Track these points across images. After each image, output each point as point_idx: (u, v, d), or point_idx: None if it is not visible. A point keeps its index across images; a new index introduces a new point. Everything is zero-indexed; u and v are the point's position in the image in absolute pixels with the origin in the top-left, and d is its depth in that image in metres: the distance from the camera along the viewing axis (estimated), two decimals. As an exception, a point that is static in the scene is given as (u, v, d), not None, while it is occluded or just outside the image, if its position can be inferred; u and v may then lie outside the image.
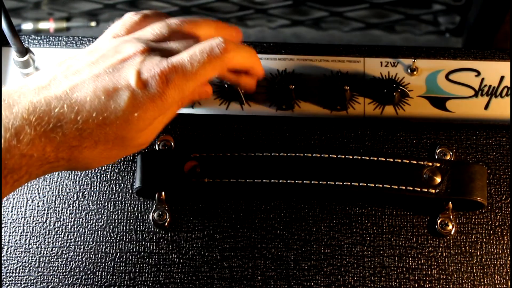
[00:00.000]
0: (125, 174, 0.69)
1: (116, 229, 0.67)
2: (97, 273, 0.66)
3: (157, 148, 0.69)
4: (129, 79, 0.56)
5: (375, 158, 0.66)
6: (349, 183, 0.65)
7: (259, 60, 0.66)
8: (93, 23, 1.04)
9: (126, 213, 0.68)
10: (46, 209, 0.68)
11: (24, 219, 0.68)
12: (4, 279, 0.66)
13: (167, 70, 0.56)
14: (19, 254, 0.67)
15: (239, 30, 0.67)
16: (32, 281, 0.66)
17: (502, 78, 0.73)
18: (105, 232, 0.67)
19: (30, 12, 1.05)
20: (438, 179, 0.65)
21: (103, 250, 0.67)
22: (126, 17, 0.64)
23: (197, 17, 0.64)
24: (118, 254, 0.66)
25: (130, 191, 0.68)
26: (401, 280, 0.66)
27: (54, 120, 0.54)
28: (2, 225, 0.67)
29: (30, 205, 0.68)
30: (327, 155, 0.65)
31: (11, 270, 0.66)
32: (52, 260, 0.66)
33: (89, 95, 0.55)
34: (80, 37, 0.75)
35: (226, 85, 0.70)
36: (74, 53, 0.60)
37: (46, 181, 0.69)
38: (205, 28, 0.64)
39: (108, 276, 0.66)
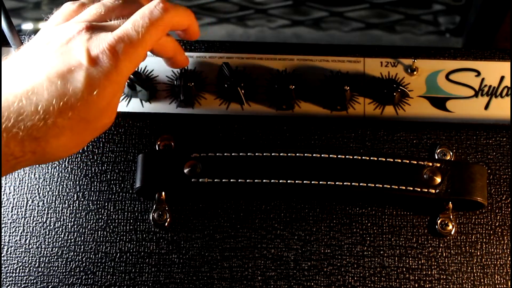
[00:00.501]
0: (125, 174, 0.69)
1: (116, 229, 0.67)
2: (97, 273, 0.66)
3: (157, 148, 0.69)
4: (80, 58, 0.56)
5: (375, 158, 0.66)
6: (349, 183, 0.65)
7: (195, 18, 0.65)
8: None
9: (126, 213, 0.68)
10: (46, 209, 0.68)
11: (24, 219, 0.68)
12: (4, 279, 0.66)
13: (115, 42, 0.56)
14: (19, 254, 0.67)
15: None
16: (32, 281, 0.66)
17: (502, 78, 0.73)
18: (105, 232, 0.67)
19: (30, 12, 1.05)
20: (438, 179, 0.65)
21: (103, 250, 0.67)
22: (64, 6, 0.64)
23: None
24: (118, 254, 0.66)
25: (130, 191, 0.68)
26: (401, 280, 0.66)
27: (14, 115, 0.53)
28: (2, 225, 0.67)
29: (30, 205, 0.68)
30: (327, 155, 0.65)
31: (11, 270, 0.66)
32: (52, 260, 0.66)
33: (44, 82, 0.55)
34: (80, 37, 0.75)
35: (226, 85, 0.70)
36: (22, 48, 0.60)
37: (46, 181, 0.69)
38: (139, 3, 0.63)
39: (108, 276, 0.66)
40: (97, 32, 0.58)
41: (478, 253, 0.67)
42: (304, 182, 0.65)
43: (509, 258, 0.67)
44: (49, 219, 0.68)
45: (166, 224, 0.67)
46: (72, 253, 0.67)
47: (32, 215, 0.68)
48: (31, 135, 0.54)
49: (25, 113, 0.54)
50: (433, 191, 0.65)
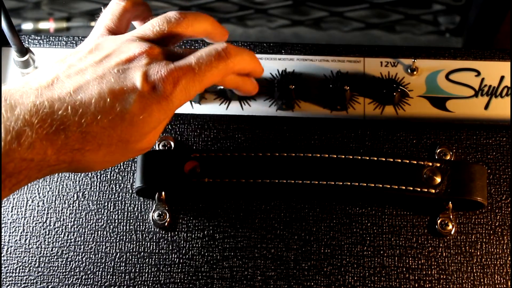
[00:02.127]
0: (125, 174, 0.69)
1: (116, 229, 0.67)
2: (97, 273, 0.66)
3: (157, 148, 0.69)
4: (135, 81, 0.55)
5: (375, 158, 0.66)
6: (349, 183, 0.65)
7: (259, 61, 0.65)
8: (93, 23, 1.03)
9: (126, 213, 0.68)
10: (46, 209, 0.68)
11: (24, 219, 0.68)
12: (4, 279, 0.66)
13: (175, 73, 0.56)
14: (19, 254, 0.67)
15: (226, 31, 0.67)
16: (32, 281, 0.66)
17: (502, 78, 0.73)
18: (105, 232, 0.67)
19: (30, 12, 1.05)
20: (438, 179, 0.65)
21: (103, 250, 0.67)
22: (114, 6, 0.62)
23: (192, 12, 0.63)
24: (118, 254, 0.66)
25: (130, 191, 0.68)
26: (401, 280, 0.66)
27: (57, 123, 0.52)
28: (2, 225, 0.67)
29: (30, 205, 0.68)
30: (327, 155, 0.65)
31: (11, 270, 0.66)
32: (52, 260, 0.66)
33: (94, 96, 0.54)
34: (80, 37, 0.75)
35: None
36: (74, 50, 0.59)
37: (46, 181, 0.69)
38: (203, 24, 0.63)
39: (108, 276, 0.66)
40: (159, 57, 0.57)
41: (478, 253, 0.67)
42: (304, 182, 0.65)
43: (509, 258, 0.67)
44: (49, 219, 0.68)
45: (166, 224, 0.67)
46: (72, 253, 0.67)
47: (32, 215, 0.68)
48: (69, 145, 0.53)
49: (68, 123, 0.53)
50: (433, 191, 0.65)
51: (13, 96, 0.52)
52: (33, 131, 0.51)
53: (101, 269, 0.66)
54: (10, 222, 0.68)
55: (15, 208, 0.68)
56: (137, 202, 0.68)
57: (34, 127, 0.51)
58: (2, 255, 0.67)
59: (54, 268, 0.66)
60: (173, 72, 0.55)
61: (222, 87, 0.71)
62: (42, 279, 0.66)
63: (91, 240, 0.67)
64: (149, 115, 0.55)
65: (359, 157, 0.65)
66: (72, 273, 0.66)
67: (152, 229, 0.67)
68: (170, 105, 0.56)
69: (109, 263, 0.66)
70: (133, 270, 0.66)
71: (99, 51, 0.58)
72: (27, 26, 1.04)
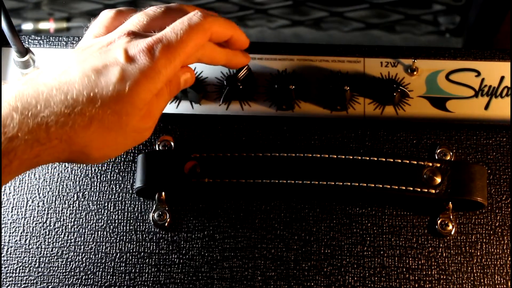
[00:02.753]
0: (125, 174, 0.69)
1: (116, 229, 0.67)
2: (97, 273, 0.66)
3: (157, 148, 0.69)
4: (117, 56, 0.56)
5: (375, 158, 0.66)
6: (349, 183, 0.65)
7: (239, 28, 0.66)
8: (93, 23, 1.03)
9: (126, 213, 0.68)
10: (46, 209, 0.68)
11: (24, 219, 0.68)
12: (4, 279, 0.66)
13: (153, 42, 0.57)
14: (19, 254, 0.67)
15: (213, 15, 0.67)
16: (32, 281, 0.66)
17: (502, 78, 0.73)
18: (105, 232, 0.67)
19: (30, 12, 1.05)
20: (438, 179, 0.65)
21: (103, 250, 0.67)
22: (102, 15, 0.64)
23: (174, 4, 0.65)
24: (118, 254, 0.66)
25: (130, 191, 0.68)
26: (401, 280, 0.66)
27: (42, 102, 0.53)
28: (2, 225, 0.67)
29: (30, 205, 0.68)
30: (327, 155, 0.65)
31: (11, 270, 0.66)
32: (52, 260, 0.66)
33: (78, 75, 0.55)
34: (80, 37, 0.74)
35: (225, 83, 0.70)
36: (61, 56, 0.60)
37: (46, 181, 0.69)
38: (182, 13, 0.64)
39: (108, 276, 0.66)
40: (138, 37, 0.59)
41: (478, 253, 0.67)
42: (304, 182, 0.65)
43: (509, 258, 0.67)
44: (49, 219, 0.68)
45: (166, 224, 0.67)
46: (72, 253, 0.67)
47: (32, 215, 0.68)
48: (58, 121, 0.53)
49: (53, 101, 0.54)
50: (433, 191, 0.65)
51: (2, 90, 0.54)
52: (17, 113, 0.52)
53: (101, 269, 0.66)
54: (10, 222, 0.68)
55: (15, 208, 0.68)
56: (137, 203, 0.68)
57: (18, 109, 0.52)
58: (2, 255, 0.67)
59: (54, 268, 0.66)
60: (151, 43, 0.57)
61: (223, 89, 0.71)
62: (42, 279, 0.66)
63: (91, 240, 0.67)
64: (136, 83, 0.56)
65: (359, 157, 0.65)
66: (72, 273, 0.66)
67: (152, 229, 0.67)
68: (155, 72, 0.57)
69: (109, 263, 0.66)
70: (133, 270, 0.66)
71: (82, 48, 0.59)
72: (27, 26, 1.04)
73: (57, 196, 0.68)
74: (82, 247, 0.67)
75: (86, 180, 0.69)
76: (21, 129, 0.52)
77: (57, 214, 0.68)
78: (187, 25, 0.59)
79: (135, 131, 0.58)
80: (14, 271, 0.66)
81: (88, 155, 0.57)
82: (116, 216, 0.68)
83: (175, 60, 0.58)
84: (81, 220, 0.68)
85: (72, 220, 0.68)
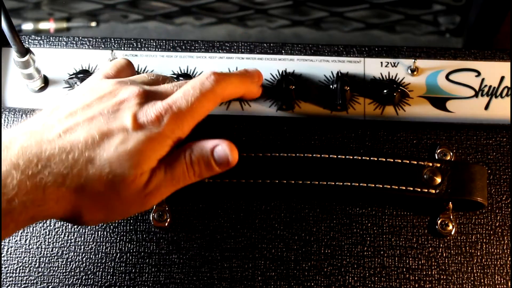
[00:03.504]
0: (125, 174, 0.69)
1: (116, 229, 0.67)
2: (97, 273, 0.66)
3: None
4: (125, 121, 0.56)
5: (375, 159, 0.66)
6: (349, 183, 0.65)
7: (251, 81, 0.66)
8: (93, 23, 1.03)
9: (126, 213, 0.68)
10: (46, 209, 0.68)
11: (24, 219, 0.68)
12: (4, 279, 0.66)
13: (163, 110, 0.57)
14: (19, 254, 0.67)
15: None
16: (32, 281, 0.66)
17: (502, 78, 0.73)
18: (105, 232, 0.67)
19: (30, 12, 1.04)
20: (438, 180, 0.65)
21: (103, 250, 0.67)
22: (118, 60, 0.65)
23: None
24: (118, 254, 0.66)
25: (130, 191, 0.68)
26: (401, 281, 0.66)
27: (43, 162, 0.53)
28: (2, 225, 0.67)
29: (30, 205, 0.68)
30: (327, 155, 0.65)
31: (11, 270, 0.66)
32: (52, 260, 0.66)
33: (82, 135, 0.55)
34: (80, 37, 0.75)
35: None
36: (68, 94, 0.60)
37: (46, 181, 0.69)
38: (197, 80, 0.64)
39: (108, 276, 0.66)
40: (149, 98, 0.58)
41: (478, 253, 0.67)
42: (304, 182, 0.65)
43: (509, 258, 0.67)
44: (49, 219, 0.68)
45: (166, 224, 0.67)
46: (72, 253, 0.67)
47: (32, 215, 0.68)
48: (55, 182, 0.53)
49: (54, 160, 0.53)
50: (433, 191, 0.65)
51: (3, 143, 0.53)
52: (18, 171, 0.52)
53: (101, 269, 0.66)
54: (10, 222, 0.68)
55: (15, 208, 0.68)
56: (137, 202, 0.68)
57: (20, 168, 0.52)
58: (2, 255, 0.67)
59: (54, 268, 0.66)
60: (161, 110, 0.57)
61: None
62: (42, 279, 0.66)
63: (91, 240, 0.67)
64: (139, 146, 0.55)
65: (359, 157, 0.65)
66: (72, 273, 0.66)
67: (152, 229, 0.67)
68: (162, 138, 0.57)
69: (109, 263, 0.66)
70: (133, 270, 0.66)
71: (91, 93, 0.59)
72: (27, 26, 1.04)
73: (57, 196, 0.68)
74: (82, 247, 0.67)
75: (86, 180, 0.69)
76: (20, 190, 0.52)
77: (57, 214, 0.68)
78: (199, 92, 0.59)
79: (132, 200, 0.57)
80: (14, 271, 0.66)
81: (80, 218, 0.56)
82: (116, 216, 0.68)
83: (184, 127, 0.58)
84: (81, 220, 0.68)
85: (72, 220, 0.68)
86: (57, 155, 0.53)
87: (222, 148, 0.59)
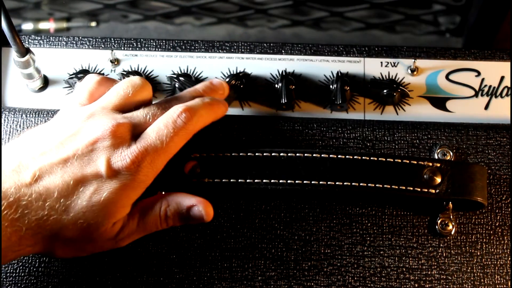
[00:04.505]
0: (125, 174, 0.69)
1: (116, 229, 0.67)
2: (97, 273, 0.66)
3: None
4: (99, 167, 0.57)
5: (375, 159, 0.66)
6: (349, 183, 0.65)
7: (218, 105, 0.65)
8: (93, 23, 1.03)
9: (126, 213, 0.68)
10: (46, 209, 0.68)
11: (24, 219, 0.68)
12: (4, 279, 0.66)
13: (139, 155, 0.58)
14: (19, 254, 0.67)
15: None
16: (32, 281, 0.66)
17: (502, 78, 0.73)
18: (105, 232, 0.67)
19: (30, 12, 1.04)
20: (438, 179, 0.65)
21: (103, 250, 0.67)
22: (88, 80, 0.64)
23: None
24: (118, 254, 0.66)
25: (130, 191, 0.68)
26: (401, 280, 0.66)
27: (21, 209, 0.54)
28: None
29: (30, 205, 0.68)
30: (327, 155, 0.65)
31: (11, 270, 0.66)
32: (52, 260, 0.66)
33: (58, 181, 0.56)
34: (80, 37, 0.75)
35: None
36: (42, 126, 0.61)
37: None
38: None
39: (108, 276, 0.66)
40: (123, 135, 0.58)
41: (478, 253, 0.67)
42: (304, 182, 0.65)
43: (509, 258, 0.67)
44: (49, 219, 0.68)
45: (166, 224, 0.67)
46: (72, 253, 0.67)
47: (32, 215, 0.68)
48: (32, 229, 0.55)
49: (32, 207, 0.55)
50: (433, 191, 0.65)
51: None
52: None
53: (101, 269, 0.66)
54: (10, 222, 0.68)
55: (15, 208, 0.68)
56: (137, 202, 0.68)
57: (1, 213, 0.53)
58: (2, 255, 0.67)
59: (54, 268, 0.66)
60: (137, 156, 0.57)
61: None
62: (42, 279, 0.66)
63: (91, 240, 0.67)
64: (115, 195, 0.57)
65: (359, 157, 0.65)
66: (72, 273, 0.66)
67: (152, 229, 0.67)
68: (137, 183, 0.58)
69: (109, 263, 0.66)
70: (133, 270, 0.66)
71: (64, 129, 0.59)
72: (27, 26, 1.04)
73: (57, 196, 0.68)
74: (82, 247, 0.67)
75: (86, 180, 0.69)
76: (2, 237, 0.53)
77: (57, 214, 0.68)
78: (172, 131, 0.59)
79: (103, 245, 0.60)
80: (14, 271, 0.66)
81: (52, 255, 0.59)
82: (116, 216, 0.68)
83: (158, 168, 0.59)
84: (81, 220, 0.68)
85: (72, 220, 0.68)
86: (34, 201, 0.55)
87: (198, 209, 0.61)
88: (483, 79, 0.73)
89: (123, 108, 0.62)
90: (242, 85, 0.70)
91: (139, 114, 0.61)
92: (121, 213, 0.58)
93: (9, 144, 0.59)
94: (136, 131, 0.60)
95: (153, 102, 0.64)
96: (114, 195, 0.57)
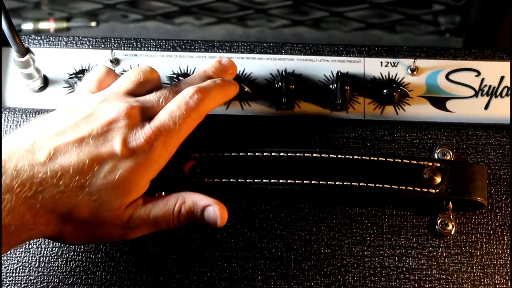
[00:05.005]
0: (125, 174, 0.69)
1: (116, 229, 0.67)
2: (97, 273, 0.66)
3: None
4: (114, 147, 0.57)
5: (375, 158, 0.66)
6: (349, 183, 0.65)
7: (230, 86, 0.66)
8: (93, 23, 1.03)
9: (126, 213, 0.68)
10: (46, 209, 0.68)
11: (24, 219, 0.68)
12: (4, 279, 0.66)
13: (153, 135, 0.58)
14: (19, 254, 0.67)
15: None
16: (32, 281, 0.66)
17: (502, 78, 0.73)
18: (105, 232, 0.67)
19: (30, 12, 1.04)
20: (438, 179, 0.65)
21: (103, 250, 0.67)
22: (96, 70, 0.65)
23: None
24: (118, 254, 0.66)
25: (130, 191, 0.68)
26: (401, 280, 0.66)
27: (35, 186, 0.54)
28: (2, 225, 0.67)
29: (30, 205, 0.68)
30: (327, 155, 0.65)
31: (11, 270, 0.66)
32: (52, 260, 0.66)
33: (73, 159, 0.56)
34: (80, 37, 0.75)
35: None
36: (54, 111, 0.61)
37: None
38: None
39: (108, 276, 0.66)
40: (136, 119, 0.58)
41: (478, 253, 0.67)
42: (304, 182, 0.65)
43: (509, 258, 0.67)
44: (49, 219, 0.68)
45: (166, 224, 0.67)
46: (72, 253, 0.67)
47: (32, 215, 0.68)
48: (46, 206, 0.55)
49: (46, 185, 0.54)
50: (433, 191, 0.65)
51: (3, 161, 0.54)
52: (13, 195, 0.53)
53: (101, 269, 0.66)
54: (10, 222, 0.68)
55: (15, 208, 0.68)
56: (137, 202, 0.68)
57: (14, 191, 0.53)
58: (2, 255, 0.66)
59: (54, 268, 0.66)
60: (151, 135, 0.58)
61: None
62: (42, 279, 0.66)
63: (91, 240, 0.67)
64: (130, 174, 0.57)
65: (359, 157, 0.65)
66: (72, 273, 0.66)
67: (152, 229, 0.67)
68: (151, 163, 0.58)
69: (109, 263, 0.66)
70: (133, 270, 0.66)
71: (77, 112, 0.59)
72: (27, 26, 1.04)
73: (57, 196, 0.68)
74: (82, 246, 0.67)
75: (86, 180, 0.69)
76: (14, 215, 0.53)
77: (57, 214, 0.68)
78: (185, 112, 0.60)
79: (113, 232, 0.59)
80: (14, 271, 0.66)
81: (63, 240, 0.59)
82: (116, 216, 0.68)
83: (171, 149, 0.60)
84: (81, 220, 0.68)
85: (72, 220, 0.68)
86: (49, 178, 0.55)
87: (213, 209, 0.61)
88: (483, 79, 0.73)
89: (135, 92, 0.62)
90: (242, 85, 0.70)
91: (151, 98, 0.61)
92: (134, 192, 0.58)
93: (21, 128, 0.59)
94: (149, 114, 0.60)
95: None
96: (128, 173, 0.57)
